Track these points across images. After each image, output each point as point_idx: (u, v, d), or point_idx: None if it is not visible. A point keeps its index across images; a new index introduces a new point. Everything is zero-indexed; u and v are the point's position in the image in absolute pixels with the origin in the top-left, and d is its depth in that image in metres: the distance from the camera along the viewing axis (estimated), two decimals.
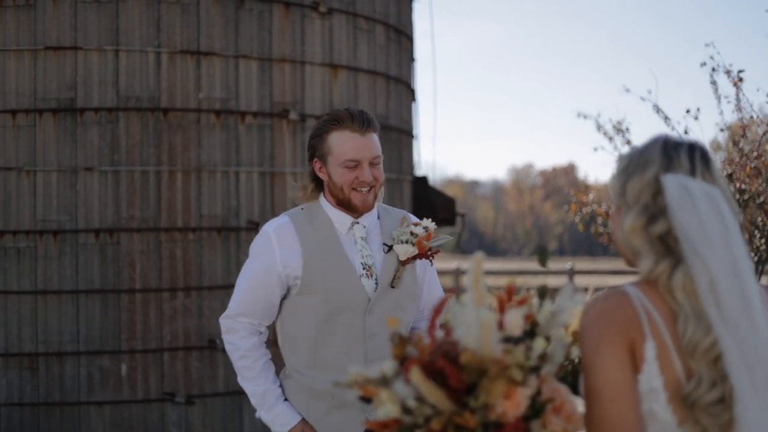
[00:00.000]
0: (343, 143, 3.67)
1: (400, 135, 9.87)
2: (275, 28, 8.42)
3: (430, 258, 3.84)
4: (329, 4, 8.74)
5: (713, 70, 12.99)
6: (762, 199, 12.61)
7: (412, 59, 10.47)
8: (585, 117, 15.94)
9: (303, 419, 3.78)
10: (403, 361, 2.04)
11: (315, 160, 3.81)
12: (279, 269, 3.73)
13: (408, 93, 10.28)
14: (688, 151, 2.22)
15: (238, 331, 3.80)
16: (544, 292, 2.05)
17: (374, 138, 3.78)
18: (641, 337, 2.10)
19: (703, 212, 2.11)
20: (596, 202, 15.15)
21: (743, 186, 12.43)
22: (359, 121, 3.69)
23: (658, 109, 13.57)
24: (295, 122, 8.48)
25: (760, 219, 12.91)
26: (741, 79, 12.77)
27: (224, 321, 3.87)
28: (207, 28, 8.10)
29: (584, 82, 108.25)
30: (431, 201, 10.49)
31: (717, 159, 15.06)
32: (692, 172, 2.18)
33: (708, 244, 2.08)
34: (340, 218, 3.81)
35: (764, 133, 12.83)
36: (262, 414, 3.84)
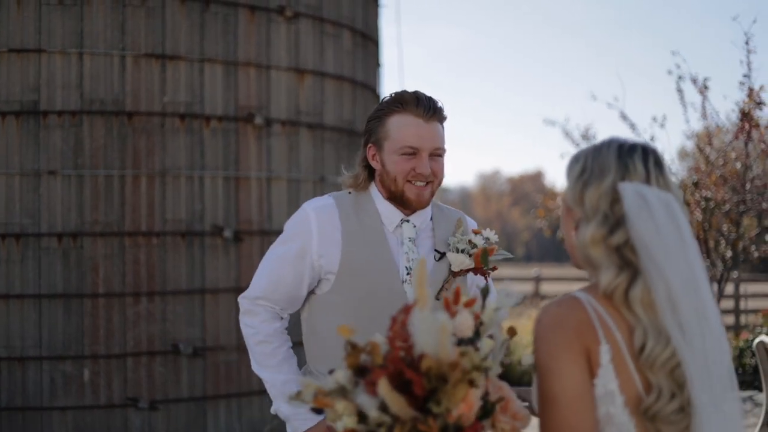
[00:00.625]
0: (403, 128, 3.34)
1: None
2: (241, 31, 8.53)
3: (486, 275, 3.47)
4: (295, 9, 8.87)
5: (679, 78, 13.31)
6: (728, 207, 12.90)
7: (378, 64, 10.63)
8: (552, 124, 16.26)
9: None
10: (360, 371, 2.06)
11: (369, 145, 3.46)
12: (314, 257, 3.40)
13: (374, 98, 10.43)
14: (642, 156, 2.25)
15: (259, 314, 3.49)
16: (486, 291, 2.14)
17: (439, 128, 3.42)
18: (596, 342, 2.13)
19: (659, 221, 2.15)
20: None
21: (709, 194, 12.72)
22: (425, 107, 3.35)
23: (624, 117, 13.90)
24: (260, 127, 8.60)
25: (725, 227, 13.22)
26: (706, 87, 13.09)
27: (243, 301, 3.56)
28: (172, 32, 8.20)
29: (552, 88, 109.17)
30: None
31: (684, 167, 15.37)
32: (647, 179, 2.22)
33: (665, 254, 2.14)
34: (389, 213, 3.45)
35: (730, 142, 13.14)
36: (281, 406, 3.48)
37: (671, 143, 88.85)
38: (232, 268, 8.40)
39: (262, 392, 8.46)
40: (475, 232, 3.47)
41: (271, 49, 8.72)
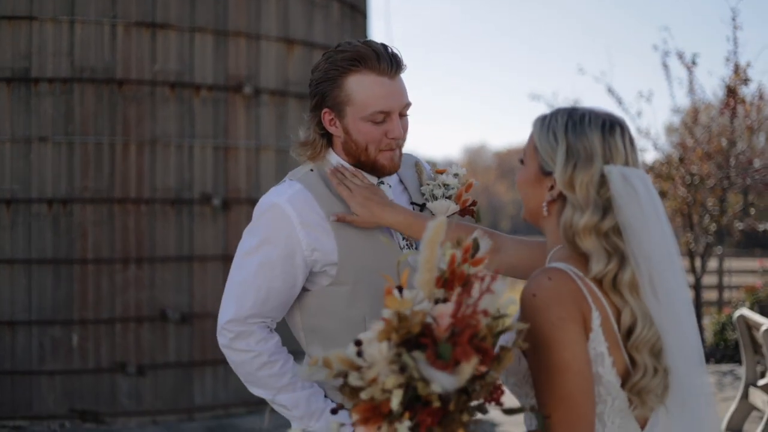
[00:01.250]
0: (367, 90, 2.89)
1: None
2: (231, 2, 8.70)
3: (473, 213, 3.21)
4: None
5: (666, 53, 13.59)
6: (712, 182, 13.21)
7: (365, 36, 10.83)
8: (538, 98, 16.53)
9: None
10: (410, 341, 2.01)
11: (325, 110, 2.97)
12: (305, 254, 2.95)
13: None
14: (621, 135, 2.30)
15: (254, 334, 3.00)
16: (476, 245, 2.26)
17: (402, 80, 3.00)
18: (588, 309, 2.24)
19: (642, 202, 2.25)
20: None
21: (694, 169, 13.02)
22: (386, 60, 2.90)
23: (611, 91, 14.17)
24: (250, 96, 8.80)
25: (710, 202, 13.54)
26: (695, 63, 13.36)
27: (230, 326, 3.00)
28: (163, 1, 8.38)
29: (539, 63, 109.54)
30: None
31: (670, 142, 15.63)
32: (626, 160, 2.29)
33: (648, 234, 2.25)
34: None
35: (715, 118, 13.43)
36: (310, 424, 3.02)
37: (657, 118, 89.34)
38: (220, 236, 8.63)
39: None
40: (440, 172, 3.21)
41: (261, 20, 8.91)
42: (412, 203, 3.14)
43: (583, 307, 2.22)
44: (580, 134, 2.29)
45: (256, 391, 3.07)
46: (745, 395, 8.39)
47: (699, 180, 13.14)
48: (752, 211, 14.54)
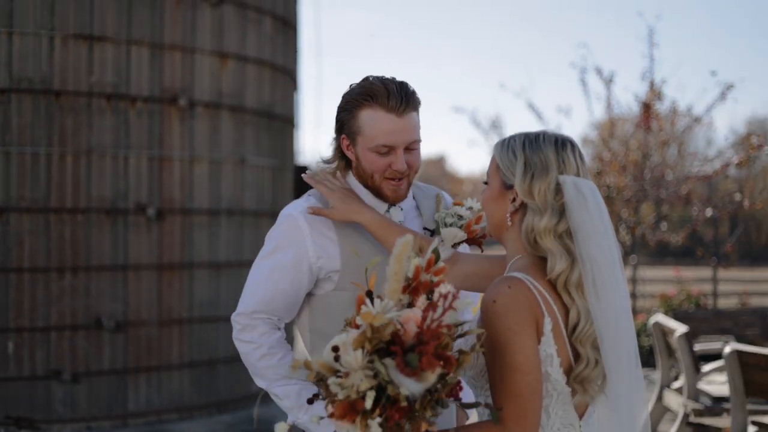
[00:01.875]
0: (375, 125, 3.21)
1: (283, 124, 10.57)
2: (167, 15, 9.00)
3: (480, 243, 3.44)
4: None
5: (584, 70, 14.24)
6: (628, 194, 13.84)
7: (297, 50, 11.20)
8: (461, 111, 17.08)
9: None
10: (379, 351, 2.28)
11: (343, 136, 3.32)
12: (311, 261, 3.29)
13: (293, 83, 11.00)
14: (572, 150, 2.64)
15: (257, 327, 3.33)
16: (437, 253, 2.51)
17: (413, 118, 3.27)
18: (541, 315, 2.54)
19: (591, 208, 2.56)
20: (470, 194, 16.21)
21: (610, 181, 13.65)
22: (397, 99, 3.19)
23: (531, 106, 14.78)
24: (184, 108, 9.09)
25: (625, 213, 14.17)
26: (611, 80, 14.03)
27: (239, 318, 3.38)
28: (100, 14, 8.61)
29: (461, 75, 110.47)
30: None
31: (586, 153, 16.24)
32: (578, 171, 2.62)
33: (596, 240, 2.56)
34: (373, 202, 3.36)
35: (632, 133, 14.10)
36: (299, 415, 3.30)
37: (575, 132, 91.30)
38: (154, 245, 8.90)
39: (182, 366, 9.04)
40: (457, 204, 3.46)
41: (196, 34, 9.22)
42: (425, 228, 3.43)
43: (537, 314, 2.53)
44: (536, 149, 2.63)
45: (257, 381, 3.37)
46: (660, 397, 8.89)
47: (615, 192, 13.78)
48: (664, 225, 15.26)
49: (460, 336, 2.40)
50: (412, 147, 3.27)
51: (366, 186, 3.33)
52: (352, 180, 3.38)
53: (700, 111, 14.44)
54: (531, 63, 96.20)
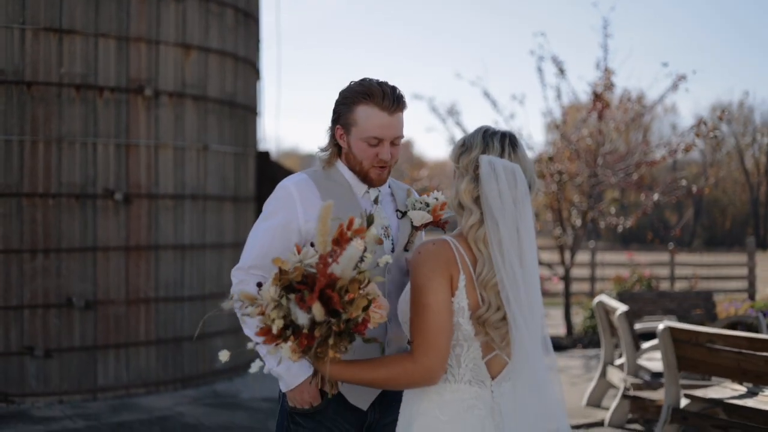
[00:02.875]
0: (369, 119, 3.80)
1: (245, 112, 11.19)
2: (133, 9, 9.56)
3: (443, 226, 4.04)
4: None
5: (540, 58, 14.87)
6: (580, 180, 14.50)
7: (258, 41, 11.81)
8: (420, 98, 17.69)
9: (316, 371, 3.66)
10: (287, 288, 2.96)
11: (338, 126, 3.91)
12: (300, 224, 3.81)
13: (253, 72, 11.63)
14: (500, 138, 3.22)
15: (251, 282, 3.68)
16: (371, 220, 3.17)
17: (400, 118, 3.88)
18: (456, 272, 3.09)
19: (501, 183, 3.10)
20: (428, 177, 16.83)
21: (562, 167, 14.28)
22: (390, 100, 3.79)
23: (486, 95, 15.42)
24: (150, 98, 9.69)
25: (577, 198, 14.84)
26: (562, 71, 14.68)
27: (236, 272, 3.87)
28: (69, 8, 9.17)
29: (419, 63, 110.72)
30: (273, 174, 11.89)
31: (545, 140, 16.88)
32: (501, 154, 3.19)
33: (501, 210, 3.08)
34: (356, 183, 3.94)
35: (583, 120, 14.76)
36: (273, 364, 3.70)
37: (529, 120, 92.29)
38: (121, 228, 9.50)
39: (149, 343, 9.64)
40: (426, 194, 4.08)
41: (161, 26, 9.80)
42: (397, 210, 4.04)
43: (451, 269, 3.10)
44: (472, 137, 3.29)
45: (244, 329, 3.74)
46: (603, 374, 9.48)
47: (567, 177, 14.44)
48: (612, 209, 15.93)
49: (368, 282, 3.02)
50: (395, 142, 3.89)
51: (353, 170, 3.92)
52: (341, 166, 3.97)
53: (653, 99, 15.08)
54: (488, 51, 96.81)
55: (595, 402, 9.52)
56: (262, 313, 3.00)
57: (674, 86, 14.13)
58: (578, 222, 14.70)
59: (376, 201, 3.99)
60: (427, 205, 4.01)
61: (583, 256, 20.40)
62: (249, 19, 11.25)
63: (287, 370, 3.77)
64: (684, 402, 7.10)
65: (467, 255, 3.15)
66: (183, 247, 10.05)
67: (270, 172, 11.89)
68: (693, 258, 26.50)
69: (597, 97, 14.11)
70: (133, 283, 9.61)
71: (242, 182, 11.07)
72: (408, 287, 3.24)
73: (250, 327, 3.66)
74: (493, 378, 3.20)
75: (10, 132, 8.95)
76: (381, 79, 3.92)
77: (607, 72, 14.45)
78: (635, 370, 8.66)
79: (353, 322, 2.96)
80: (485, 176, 3.13)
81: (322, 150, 4.01)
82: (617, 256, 25.09)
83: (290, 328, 2.96)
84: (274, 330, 2.94)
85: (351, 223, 3.05)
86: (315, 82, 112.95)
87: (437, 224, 4.03)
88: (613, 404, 8.78)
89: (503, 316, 3.12)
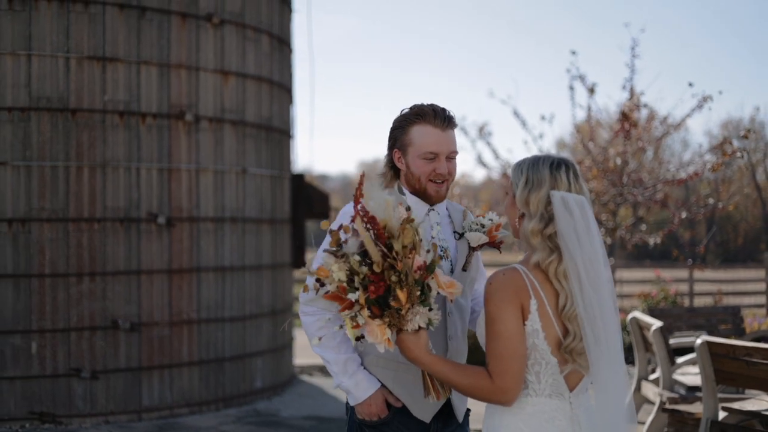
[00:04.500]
0: (424, 136, 3.96)
1: (281, 136, 11.31)
2: (173, 36, 9.71)
3: (498, 246, 4.17)
4: (221, 16, 10.10)
5: (574, 77, 14.91)
6: (606, 198, 14.55)
7: (291, 66, 11.94)
8: None
9: (382, 385, 3.99)
10: (340, 244, 3.27)
11: (395, 150, 4.08)
12: None
13: (288, 97, 11.74)
14: (566, 170, 3.26)
15: (320, 301, 3.80)
16: (408, 208, 3.44)
17: (453, 134, 4.05)
18: (527, 298, 3.19)
19: (576, 218, 3.17)
20: (459, 196, 16.91)
21: (590, 186, 14.30)
22: (441, 118, 3.98)
23: (516, 114, 15.50)
24: (190, 123, 9.81)
25: (604, 216, 14.88)
26: (593, 91, 14.74)
27: (305, 294, 3.85)
28: (112, 36, 9.33)
29: (447, 82, 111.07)
30: (308, 196, 11.99)
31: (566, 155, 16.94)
32: (569, 188, 3.23)
33: (578, 245, 3.16)
34: (416, 204, 4.04)
35: (611, 140, 14.81)
36: (343, 380, 3.97)
37: (554, 138, 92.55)
38: (164, 251, 9.60)
39: (191, 363, 9.72)
40: (479, 216, 4.19)
41: (200, 53, 9.93)
42: (454, 231, 4.17)
43: (522, 296, 3.20)
44: (535, 170, 3.30)
45: (314, 348, 3.98)
46: (638, 388, 9.51)
47: (594, 196, 14.49)
48: (643, 226, 15.97)
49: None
50: (451, 156, 4.06)
51: (413, 189, 4.07)
52: (400, 187, 4.12)
53: (677, 118, 15.14)
54: (518, 71, 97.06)
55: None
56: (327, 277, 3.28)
57: (699, 106, 14.17)
58: (608, 239, 14.74)
59: (439, 224, 4.11)
60: (483, 226, 4.13)
61: None
62: (283, 44, 11.38)
63: (356, 386, 3.95)
64: (722, 415, 7.11)
65: (538, 280, 3.25)
66: (223, 269, 10.13)
67: (305, 193, 11.99)
68: (710, 274, 26.50)
69: (625, 117, 14.16)
70: (176, 305, 9.70)
71: (278, 204, 11.17)
72: (483, 314, 3.35)
73: (309, 325, 4.01)
74: (571, 390, 3.32)
75: (56, 158, 9.07)
76: (430, 102, 4.08)
77: (633, 92, 14.51)
78: (671, 384, 8.68)
79: (409, 264, 3.22)
80: (561, 215, 3.21)
81: (379, 175, 4.21)
82: (634, 273, 25.11)
83: (356, 281, 3.22)
84: (340, 277, 3.23)
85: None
86: (346, 101, 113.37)
87: (493, 245, 4.17)
88: (650, 418, 8.78)
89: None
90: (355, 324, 3.27)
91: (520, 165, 3.38)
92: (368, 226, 3.23)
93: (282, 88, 11.34)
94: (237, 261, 10.29)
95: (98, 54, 9.28)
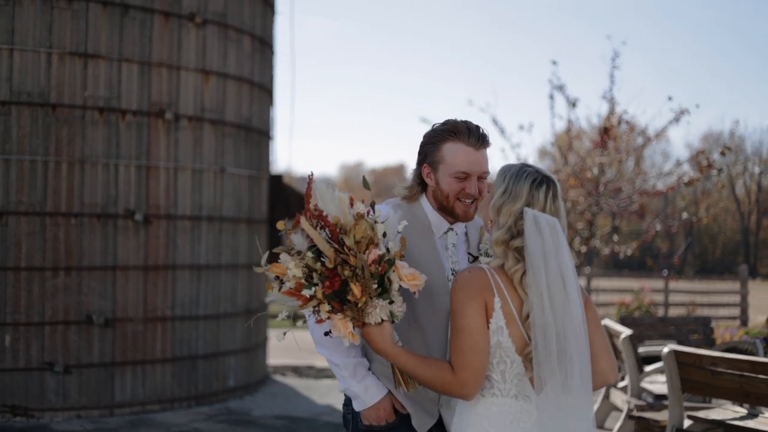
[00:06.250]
0: (457, 155, 3.88)
1: (260, 136, 11.41)
2: (155, 35, 9.80)
3: None
4: (204, 16, 10.20)
5: (554, 87, 15.08)
6: (582, 207, 14.68)
7: (272, 67, 12.03)
8: (427, 122, 17.89)
9: (389, 391, 3.95)
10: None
11: (424, 165, 3.99)
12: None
13: (268, 98, 11.85)
14: (545, 191, 3.32)
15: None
16: (372, 204, 3.53)
17: (485, 154, 3.95)
18: (492, 296, 3.28)
19: (545, 239, 3.24)
20: None
21: (565, 196, 14.44)
22: (476, 137, 3.89)
23: (495, 122, 15.65)
24: (170, 121, 9.89)
25: (580, 225, 15.02)
26: (574, 105, 14.91)
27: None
28: (94, 33, 9.41)
29: (427, 87, 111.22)
30: (286, 197, 12.09)
31: (544, 165, 17.07)
32: (544, 207, 3.30)
33: (543, 265, 3.23)
34: (437, 222, 4.01)
35: (589, 151, 14.96)
36: (352, 384, 3.93)
37: (535, 147, 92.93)
38: (140, 248, 9.69)
39: (165, 360, 9.80)
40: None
41: (182, 52, 10.03)
42: (469, 253, 4.10)
43: (486, 295, 3.29)
44: (516, 182, 3.37)
45: (320, 350, 3.93)
46: (607, 396, 9.63)
47: (571, 205, 14.63)
48: (615, 237, 16.14)
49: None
50: (482, 176, 3.96)
51: (440, 206, 3.99)
52: (425, 203, 4.06)
53: (656, 130, 15.31)
54: (498, 77, 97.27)
55: (598, 423, 9.63)
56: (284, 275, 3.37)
57: (677, 119, 14.34)
58: (583, 248, 14.89)
59: (454, 245, 4.07)
60: None
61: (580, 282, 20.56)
62: (264, 45, 11.48)
63: (365, 390, 3.92)
64: (687, 423, 7.22)
65: (503, 281, 3.34)
66: (199, 267, 10.22)
67: (283, 195, 12.09)
68: (686, 285, 26.73)
69: (604, 131, 14.33)
70: (150, 301, 9.78)
71: (256, 205, 11.27)
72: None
73: (316, 328, 3.80)
74: (537, 392, 3.34)
75: (35, 153, 9.15)
76: (463, 119, 4.01)
77: (613, 103, 14.69)
78: (639, 392, 8.81)
79: (364, 259, 3.30)
80: (530, 233, 3.28)
81: (405, 188, 4.10)
82: (612, 282, 25.32)
83: (314, 277, 3.30)
84: (297, 274, 3.32)
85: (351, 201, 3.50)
86: (328, 103, 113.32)
87: None
88: (617, 425, 8.90)
89: (548, 355, 3.30)
90: (318, 319, 3.35)
91: (505, 171, 3.45)
92: (319, 223, 3.32)
93: (262, 89, 11.44)
94: (213, 260, 10.38)
95: (80, 50, 9.36)
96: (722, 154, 14.62)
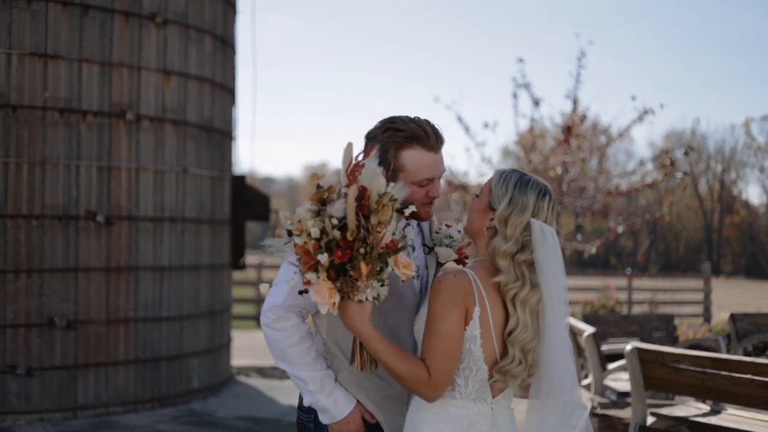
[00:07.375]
0: (419, 162, 3.73)
1: (222, 137, 11.45)
2: (115, 35, 9.82)
3: (464, 262, 4.02)
4: (164, 16, 10.23)
5: (519, 85, 15.21)
6: None
7: (234, 67, 12.07)
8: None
9: (359, 402, 3.85)
10: (323, 201, 3.29)
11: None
12: None
13: (230, 98, 11.89)
14: (549, 201, 3.35)
15: (291, 319, 3.75)
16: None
17: (442, 153, 3.84)
18: (472, 304, 3.26)
19: (550, 248, 3.26)
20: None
21: None
22: (434, 139, 3.74)
23: (460, 119, 15.77)
24: (131, 122, 9.91)
25: None
26: (537, 103, 15.05)
27: (275, 310, 3.76)
28: (54, 33, 9.42)
29: (391, 86, 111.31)
30: (249, 197, 12.14)
31: (507, 164, 17.21)
32: (546, 219, 3.32)
33: (552, 273, 3.26)
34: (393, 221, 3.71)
35: (552, 149, 15.12)
36: (320, 398, 3.79)
37: (498, 144, 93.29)
38: (102, 250, 9.70)
39: (128, 362, 9.82)
40: (448, 226, 4.08)
41: (142, 52, 10.06)
42: (424, 244, 4.04)
43: (468, 301, 3.28)
44: (522, 192, 3.36)
45: (282, 365, 3.81)
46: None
47: None
48: (579, 235, 16.28)
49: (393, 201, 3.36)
50: (440, 176, 3.85)
51: (399, 210, 3.74)
52: None
53: (619, 129, 15.48)
54: (463, 74, 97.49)
55: None
56: (302, 231, 3.26)
57: (640, 119, 14.51)
58: None
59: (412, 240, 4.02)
60: (452, 238, 4.04)
61: None
62: (226, 45, 11.52)
63: (334, 404, 3.79)
64: (650, 420, 7.33)
65: (486, 289, 3.34)
66: (162, 268, 10.25)
67: (246, 195, 12.13)
68: (649, 283, 26.99)
69: (568, 129, 14.47)
70: (113, 303, 9.79)
71: (218, 205, 11.31)
72: (424, 310, 3.46)
73: (278, 342, 3.77)
74: (494, 396, 3.43)
75: None
76: (410, 116, 3.84)
77: (576, 102, 14.84)
78: (602, 389, 8.91)
79: (378, 239, 3.26)
80: (540, 244, 3.30)
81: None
82: (574, 281, 25.51)
83: (326, 242, 3.23)
84: (314, 234, 3.23)
85: (349, 163, 3.41)
86: (292, 104, 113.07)
87: (460, 261, 4.06)
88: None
89: (525, 368, 3.35)
90: (306, 280, 3.28)
91: (506, 179, 3.43)
92: (359, 195, 3.25)
93: (224, 89, 11.48)
94: (175, 261, 10.41)
95: (40, 51, 9.37)
96: (686, 154, 14.83)
